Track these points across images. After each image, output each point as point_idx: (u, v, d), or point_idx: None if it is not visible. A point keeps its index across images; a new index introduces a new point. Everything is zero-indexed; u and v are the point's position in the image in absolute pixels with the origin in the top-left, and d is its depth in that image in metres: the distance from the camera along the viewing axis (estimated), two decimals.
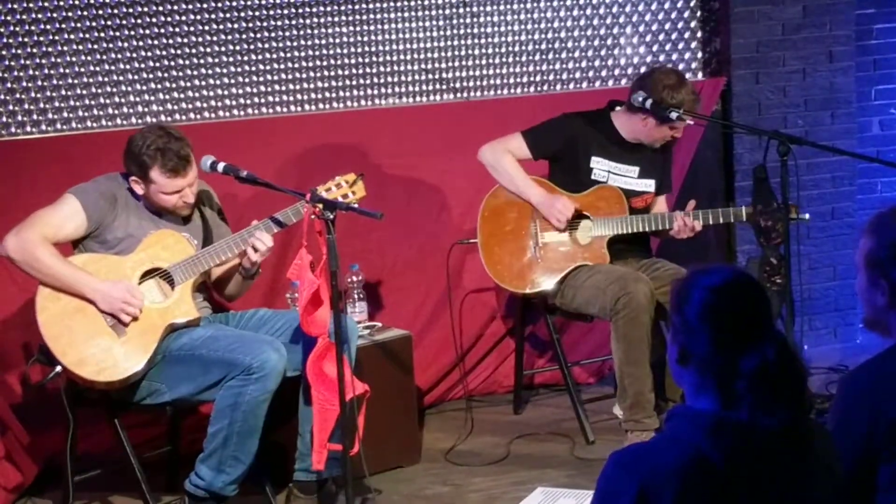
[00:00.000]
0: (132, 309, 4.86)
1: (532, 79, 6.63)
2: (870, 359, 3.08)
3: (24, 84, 5.87)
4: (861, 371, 3.07)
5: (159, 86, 6.06)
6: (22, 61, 5.85)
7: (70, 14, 5.89)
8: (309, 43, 6.26)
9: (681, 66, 6.81)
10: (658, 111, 5.69)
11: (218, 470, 4.87)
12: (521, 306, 6.08)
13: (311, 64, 6.28)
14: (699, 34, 6.84)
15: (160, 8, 6.02)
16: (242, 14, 6.15)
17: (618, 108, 5.83)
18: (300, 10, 6.23)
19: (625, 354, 5.43)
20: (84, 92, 5.96)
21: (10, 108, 5.87)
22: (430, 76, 6.48)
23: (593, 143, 5.79)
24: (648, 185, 5.86)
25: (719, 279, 2.74)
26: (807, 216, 5.73)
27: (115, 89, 6.00)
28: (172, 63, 6.07)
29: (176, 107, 6.09)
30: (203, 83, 6.13)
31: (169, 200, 4.97)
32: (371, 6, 6.33)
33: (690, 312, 2.73)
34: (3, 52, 5.82)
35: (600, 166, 5.79)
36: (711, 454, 2.64)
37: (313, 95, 6.31)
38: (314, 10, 6.25)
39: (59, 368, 4.81)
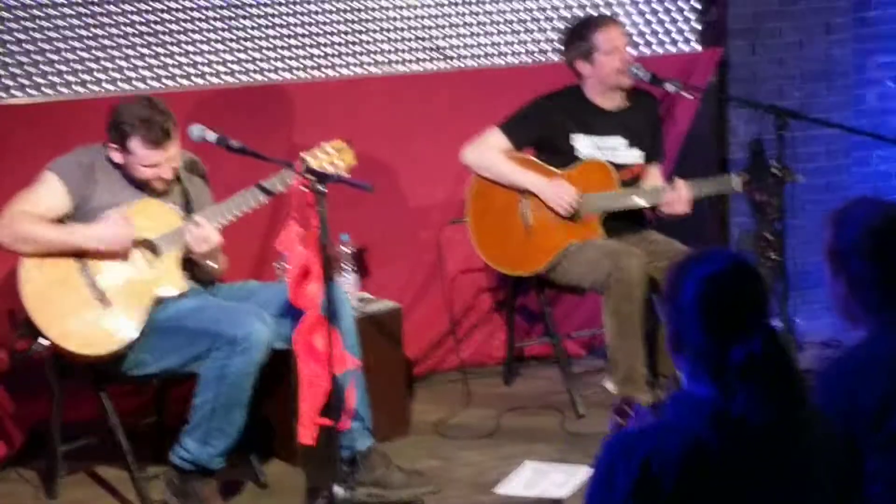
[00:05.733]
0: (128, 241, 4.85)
1: (527, 48, 6.57)
2: (842, 352, 3.13)
3: (11, 48, 5.79)
4: (834, 366, 3.09)
5: (147, 50, 5.98)
6: (9, 24, 5.77)
7: None
8: (300, 9, 6.19)
9: (677, 37, 6.76)
10: (654, 82, 5.67)
11: (203, 442, 4.84)
12: (512, 278, 6.03)
13: (301, 30, 6.21)
14: (695, 4, 6.78)
15: None
16: None
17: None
18: None
19: (617, 329, 5.40)
20: (71, 56, 5.87)
21: None
22: (424, 44, 6.41)
23: (571, 122, 5.72)
24: (636, 155, 5.80)
25: (713, 268, 2.74)
26: (801, 177, 5.66)
27: (102, 54, 5.92)
28: (161, 28, 5.99)
29: (164, 72, 6.01)
30: (192, 48, 6.05)
31: (145, 173, 4.91)
32: None
33: (683, 301, 2.73)
34: None
35: (583, 143, 5.72)
36: (711, 442, 2.64)
37: (304, 62, 6.24)
38: None
39: (44, 342, 4.77)
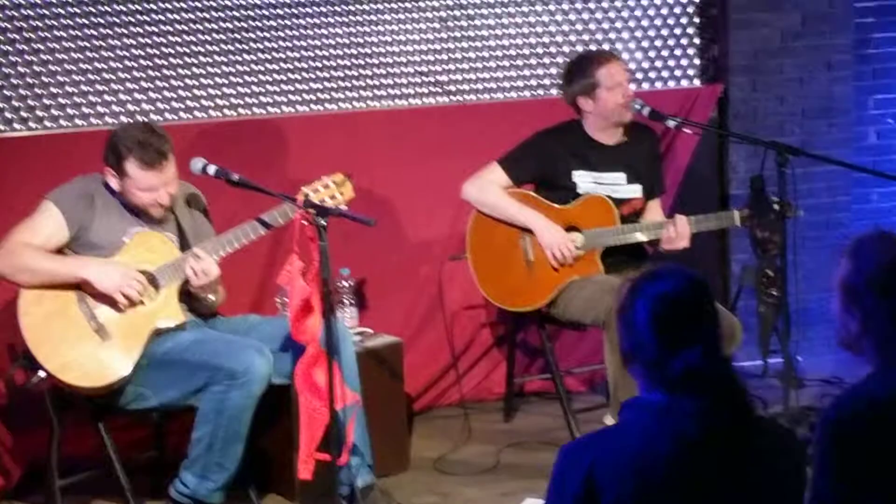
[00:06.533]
0: (131, 291, 4.79)
1: (528, 83, 6.56)
2: (845, 391, 3.09)
3: (13, 81, 5.79)
4: (837, 407, 3.03)
5: (149, 84, 5.99)
6: (10, 57, 5.78)
7: (60, 10, 5.82)
8: (302, 43, 6.20)
9: (678, 73, 6.75)
10: (655, 117, 5.67)
11: (202, 476, 4.82)
12: (513, 313, 6.00)
13: (304, 64, 6.21)
14: (697, 41, 6.78)
15: (151, 5, 5.95)
16: (235, 13, 6.08)
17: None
18: (293, 10, 6.16)
19: (618, 366, 5.32)
20: (73, 89, 5.88)
21: None
22: (425, 78, 6.41)
23: (571, 158, 5.71)
24: (636, 190, 5.79)
25: (660, 288, 2.87)
26: (801, 211, 5.66)
27: (104, 87, 5.92)
28: (163, 61, 5.99)
29: (166, 105, 6.01)
30: (194, 82, 6.05)
31: (142, 198, 4.90)
32: (365, 7, 6.26)
33: (633, 316, 2.87)
34: None
35: (583, 179, 5.71)
36: (660, 443, 2.78)
37: (306, 96, 6.24)
38: (308, 9, 6.18)
39: (42, 374, 4.75)
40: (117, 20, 5.91)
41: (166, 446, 5.40)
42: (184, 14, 6.00)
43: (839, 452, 2.90)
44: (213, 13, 6.05)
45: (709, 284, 2.95)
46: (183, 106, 6.05)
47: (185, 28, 6.02)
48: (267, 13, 6.12)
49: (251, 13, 6.10)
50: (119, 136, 4.90)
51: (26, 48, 5.80)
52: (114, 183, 4.92)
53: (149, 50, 5.97)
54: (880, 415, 2.92)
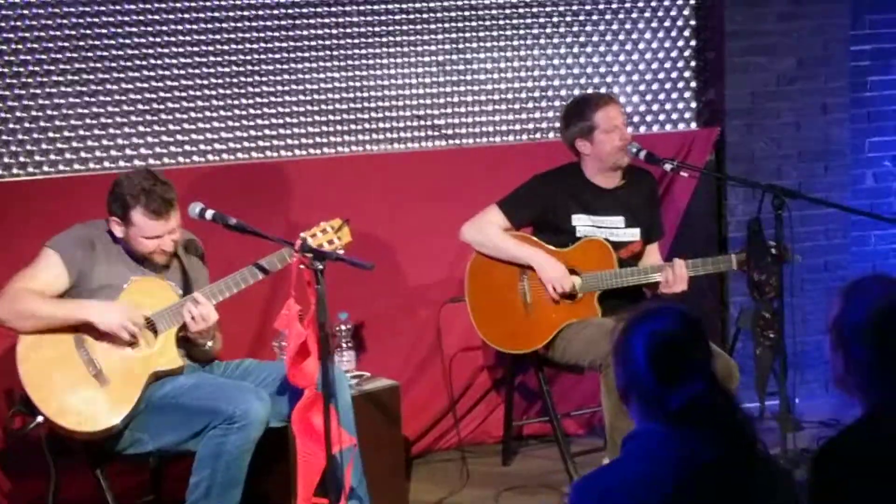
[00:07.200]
0: (134, 328, 4.80)
1: (525, 126, 6.58)
2: (835, 433, 3.10)
3: (11, 126, 5.81)
4: (825, 448, 3.05)
5: (148, 129, 6.01)
6: (9, 102, 5.80)
7: (59, 56, 5.84)
8: (300, 88, 6.22)
9: (674, 116, 6.78)
10: (652, 161, 5.68)
11: None
12: (511, 356, 6.01)
13: (302, 109, 6.23)
14: (693, 84, 6.80)
15: (150, 51, 5.98)
16: (234, 58, 6.10)
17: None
18: (292, 55, 6.18)
19: (615, 408, 5.36)
20: (71, 134, 5.90)
21: None
22: (423, 122, 6.44)
23: (570, 201, 5.73)
24: (634, 234, 5.80)
25: (653, 326, 2.95)
26: (798, 257, 5.68)
27: (103, 132, 5.95)
28: (162, 106, 6.02)
29: (164, 150, 6.04)
30: (192, 127, 6.08)
31: (147, 245, 4.91)
32: (363, 52, 6.29)
33: (626, 355, 2.96)
34: None
35: (583, 223, 5.72)
36: (662, 469, 2.85)
37: (304, 140, 6.26)
38: (306, 55, 6.21)
39: (40, 419, 4.74)
40: (117, 65, 5.94)
41: (163, 491, 5.39)
42: (182, 59, 6.03)
43: (827, 494, 2.92)
44: (212, 58, 6.07)
45: (701, 320, 3.02)
46: (182, 150, 6.08)
47: (184, 73, 6.04)
48: (265, 58, 6.15)
49: (249, 58, 6.13)
50: (123, 184, 4.90)
51: (26, 93, 5.83)
52: (118, 231, 4.93)
53: (148, 95, 6.00)
54: (865, 455, 2.94)
